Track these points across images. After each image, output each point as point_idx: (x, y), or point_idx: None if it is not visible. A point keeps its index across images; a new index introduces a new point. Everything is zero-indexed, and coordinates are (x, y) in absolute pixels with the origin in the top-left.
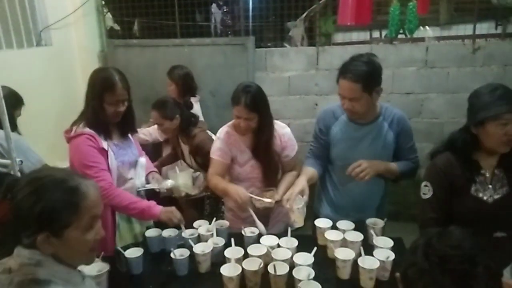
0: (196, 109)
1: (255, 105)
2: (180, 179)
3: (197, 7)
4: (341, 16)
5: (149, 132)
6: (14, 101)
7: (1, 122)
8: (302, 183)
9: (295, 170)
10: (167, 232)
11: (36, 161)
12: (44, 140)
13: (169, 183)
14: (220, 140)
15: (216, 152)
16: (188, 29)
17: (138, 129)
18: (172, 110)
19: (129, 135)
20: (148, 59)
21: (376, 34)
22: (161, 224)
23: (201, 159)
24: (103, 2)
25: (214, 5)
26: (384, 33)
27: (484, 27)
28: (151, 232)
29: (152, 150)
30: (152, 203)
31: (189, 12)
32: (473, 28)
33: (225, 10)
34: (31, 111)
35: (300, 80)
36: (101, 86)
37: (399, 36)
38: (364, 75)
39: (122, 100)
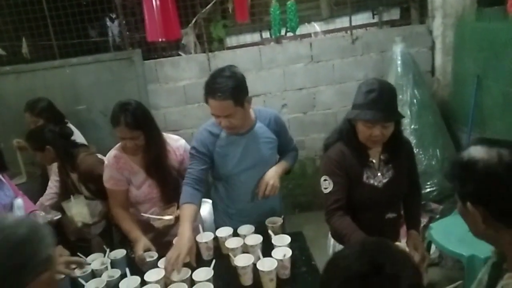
0: (75, 133)
1: (136, 122)
2: (73, 208)
3: (89, 23)
4: (150, 33)
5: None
6: None
7: None
8: (186, 240)
9: None
10: None
11: None
12: None
13: (54, 214)
14: (109, 167)
15: (109, 181)
16: (81, 47)
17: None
18: (41, 140)
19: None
20: (26, 85)
21: (267, 34)
22: None
23: (94, 185)
24: None
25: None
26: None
27: (363, 18)
28: None
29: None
30: None
31: (80, 29)
32: (349, 20)
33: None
34: None
35: (196, 88)
36: None
37: (289, 34)
38: (233, 90)
39: None
